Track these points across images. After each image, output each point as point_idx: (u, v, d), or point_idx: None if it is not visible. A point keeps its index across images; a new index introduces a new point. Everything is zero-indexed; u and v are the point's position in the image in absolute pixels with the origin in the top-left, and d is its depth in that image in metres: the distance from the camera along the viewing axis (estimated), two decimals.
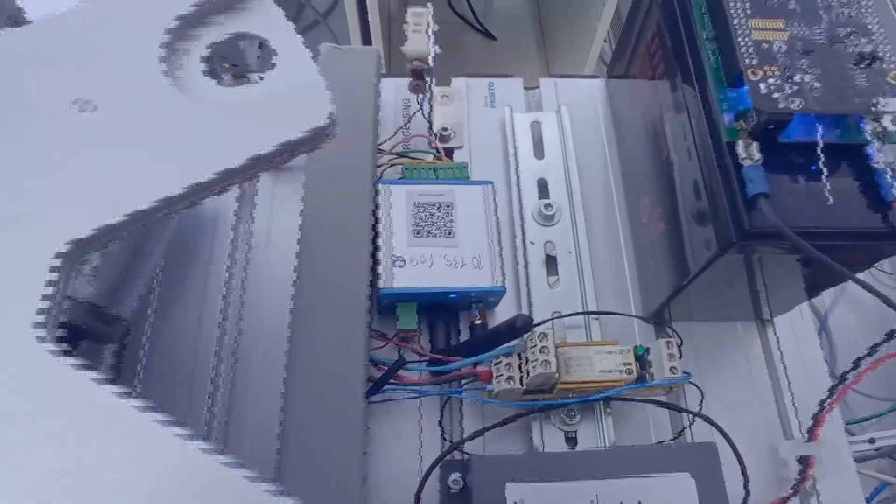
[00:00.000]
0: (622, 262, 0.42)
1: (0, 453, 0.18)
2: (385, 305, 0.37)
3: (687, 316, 0.40)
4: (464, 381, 0.35)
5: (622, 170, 0.44)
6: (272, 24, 0.28)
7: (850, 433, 0.93)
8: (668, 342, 0.33)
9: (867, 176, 0.29)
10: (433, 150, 0.42)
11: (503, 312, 0.39)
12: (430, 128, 0.43)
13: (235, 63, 0.41)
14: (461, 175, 0.40)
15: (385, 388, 0.35)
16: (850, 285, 0.29)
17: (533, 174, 0.43)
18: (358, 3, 0.86)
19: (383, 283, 0.36)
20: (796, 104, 0.28)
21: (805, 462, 0.36)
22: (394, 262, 0.36)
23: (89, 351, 0.38)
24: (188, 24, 0.27)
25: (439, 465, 0.34)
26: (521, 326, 0.31)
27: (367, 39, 0.89)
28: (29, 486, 0.17)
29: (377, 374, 0.35)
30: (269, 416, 0.36)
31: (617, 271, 0.42)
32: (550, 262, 0.41)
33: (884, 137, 0.29)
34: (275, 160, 0.26)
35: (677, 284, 0.35)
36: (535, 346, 0.31)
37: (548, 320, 0.39)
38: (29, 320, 0.19)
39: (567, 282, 0.40)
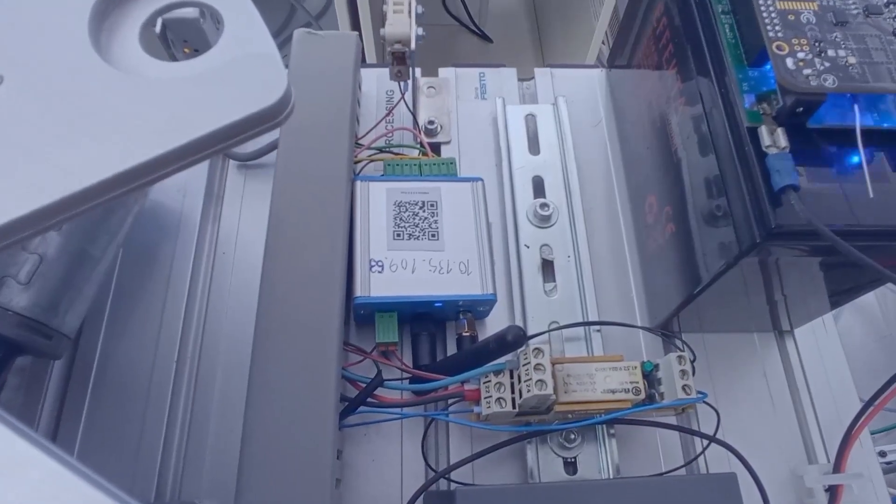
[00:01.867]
0: (626, 267, 0.38)
1: None
2: (362, 315, 0.33)
3: (698, 327, 0.36)
4: (450, 401, 0.31)
5: (625, 167, 0.41)
6: None
7: None
8: (680, 358, 0.29)
9: None
10: (417, 145, 0.39)
11: (494, 323, 0.35)
12: (415, 120, 0.39)
13: (198, 49, 0.38)
14: (448, 171, 0.37)
15: (361, 408, 0.31)
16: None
17: (528, 171, 0.39)
18: (349, 5, 0.84)
19: (360, 291, 0.32)
20: (830, 82, 0.24)
21: (834, 491, 0.32)
22: (372, 267, 0.32)
23: (33, 367, 0.34)
24: None
25: (422, 496, 0.30)
26: (512, 340, 0.27)
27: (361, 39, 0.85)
28: None
29: (353, 393, 0.31)
30: (232, 436, 0.32)
31: (620, 278, 0.38)
32: (547, 267, 0.37)
33: None
34: (223, 143, 0.22)
35: (689, 293, 0.31)
36: (528, 363, 0.27)
37: (544, 332, 0.35)
38: None
39: (565, 289, 0.36)
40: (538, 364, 0.27)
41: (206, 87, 0.22)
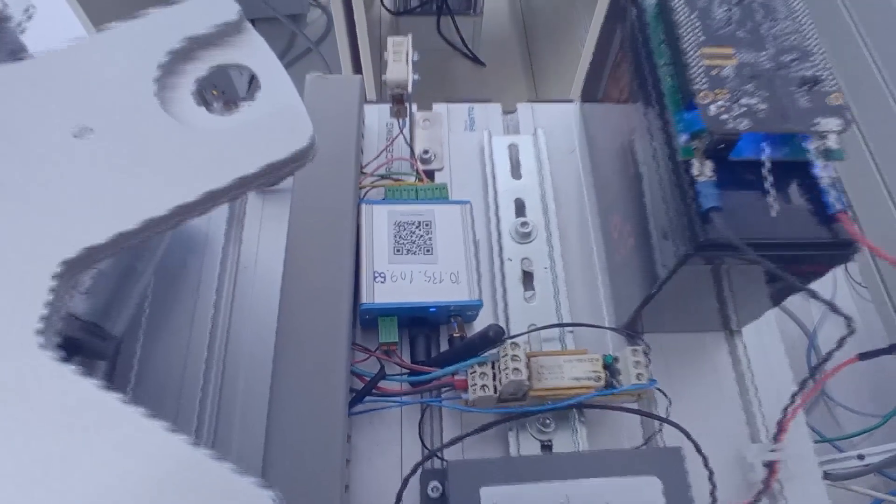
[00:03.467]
0: (595, 277, 0.44)
1: (6, 445, 0.19)
2: (367, 320, 0.39)
3: (658, 328, 0.42)
4: (443, 389, 0.37)
5: (596, 189, 0.47)
6: (257, 55, 0.30)
7: (839, 450, 0.95)
8: (634, 350, 0.34)
9: (813, 191, 0.31)
10: (414, 172, 0.44)
11: (481, 326, 0.41)
12: (412, 151, 0.45)
13: (225, 91, 0.43)
14: (440, 195, 0.42)
15: (367, 399, 0.36)
16: (836, 303, 0.31)
17: (510, 194, 0.45)
18: (349, 32, 0.89)
19: (365, 298, 0.37)
20: (743, 124, 0.30)
21: (771, 465, 0.38)
22: (375, 278, 0.38)
23: (83, 366, 0.39)
24: (180, 56, 0.29)
25: (420, 472, 0.35)
26: (493, 336, 0.33)
27: (357, 66, 0.92)
28: (34, 477, 0.19)
29: (360, 386, 0.37)
30: (254, 426, 0.37)
31: (591, 286, 0.43)
32: (527, 277, 0.43)
33: (828, 155, 0.31)
34: (260, 180, 0.28)
35: (644, 297, 0.37)
36: (507, 355, 0.33)
37: (524, 333, 0.40)
38: (31, 328, 0.21)
39: (543, 296, 0.42)
40: (514, 355, 0.32)
41: (248, 135, 0.28)
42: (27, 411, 0.20)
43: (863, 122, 0.41)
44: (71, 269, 0.24)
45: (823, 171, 0.31)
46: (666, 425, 0.37)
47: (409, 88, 0.39)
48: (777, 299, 0.39)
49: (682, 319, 0.41)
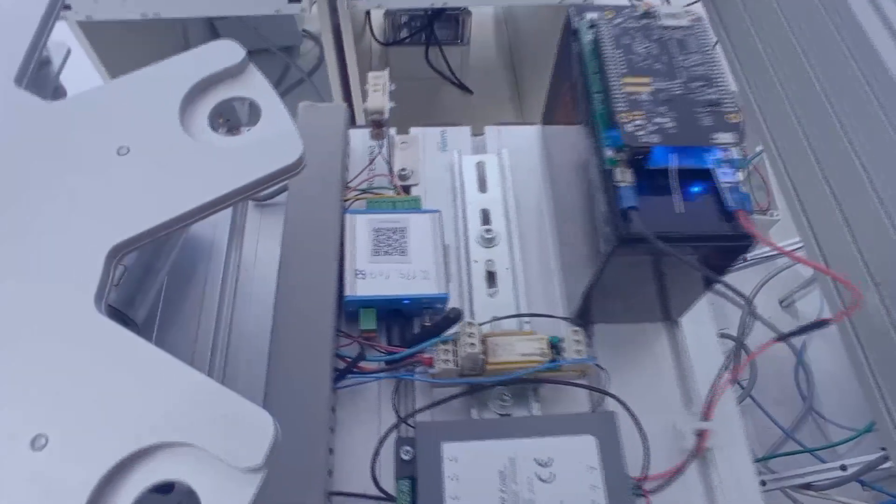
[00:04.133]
0: (551, 276, 0.50)
1: (76, 380, 0.26)
2: (350, 311, 0.45)
3: (607, 318, 0.48)
4: (416, 368, 0.43)
5: (553, 200, 0.53)
6: (259, 89, 0.37)
7: (821, 460, 0.99)
8: (574, 331, 0.41)
9: (717, 193, 0.38)
10: (392, 187, 0.51)
11: None
12: (390, 169, 0.52)
13: (229, 119, 0.50)
14: (414, 206, 0.49)
15: (349, 376, 0.42)
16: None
17: (477, 205, 0.52)
18: (339, 65, 0.97)
19: (348, 292, 0.44)
20: (655, 139, 0.37)
21: (700, 434, 0.43)
22: (357, 275, 0.44)
23: None
24: (198, 90, 0.36)
25: (395, 440, 0.41)
26: (453, 317, 0.39)
27: (346, 95, 0.99)
28: (97, 397, 0.25)
29: (344, 366, 0.43)
30: (255, 401, 0.43)
31: (547, 283, 0.50)
32: (491, 277, 0.49)
33: (731, 163, 0.38)
34: (262, 186, 0.34)
35: (587, 287, 0.43)
36: (464, 333, 0.39)
37: (487, 322, 0.47)
38: (91, 295, 0.27)
39: (504, 292, 0.48)
40: (470, 332, 0.39)
41: (252, 151, 0.34)
42: (92, 351, 0.26)
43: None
44: (116, 253, 0.30)
45: (726, 177, 0.38)
46: (610, 399, 0.43)
47: (386, 114, 0.46)
48: (698, 290, 0.45)
49: (627, 310, 0.48)
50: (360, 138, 0.56)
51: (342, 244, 0.46)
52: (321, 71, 1.23)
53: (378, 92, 0.46)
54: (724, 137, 0.37)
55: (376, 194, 0.51)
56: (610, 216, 0.38)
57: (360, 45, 1.30)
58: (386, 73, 0.48)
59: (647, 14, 0.42)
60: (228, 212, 0.52)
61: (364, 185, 0.52)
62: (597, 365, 0.42)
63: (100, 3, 0.78)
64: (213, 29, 1.35)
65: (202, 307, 0.47)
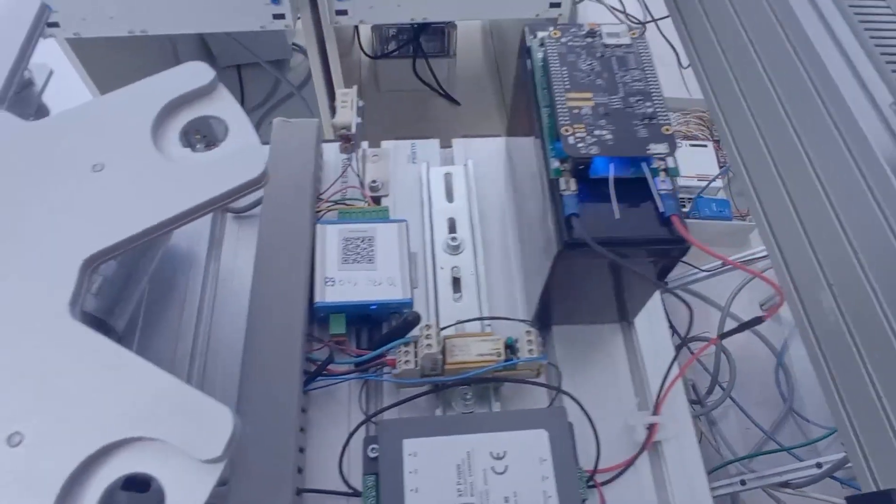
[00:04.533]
0: (513, 281, 0.53)
1: (50, 380, 0.28)
2: (322, 317, 0.48)
3: (566, 320, 0.51)
4: (384, 369, 0.46)
5: (516, 208, 0.56)
6: (227, 108, 0.39)
7: (798, 459, 1.01)
8: (528, 332, 0.43)
9: (654, 200, 0.40)
10: (363, 198, 0.54)
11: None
12: (360, 181, 0.55)
13: (206, 135, 0.53)
14: (382, 216, 0.52)
15: (319, 378, 0.45)
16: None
17: (444, 214, 0.55)
18: (325, 79, 1.00)
19: (318, 298, 0.46)
20: (594, 150, 0.40)
21: (650, 427, 0.46)
22: (326, 282, 0.47)
23: None
24: (170, 109, 0.39)
25: (364, 437, 0.43)
26: (411, 320, 0.42)
27: (333, 110, 1.02)
28: (69, 396, 0.28)
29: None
30: (230, 404, 0.46)
31: (509, 288, 0.53)
32: (456, 282, 0.52)
33: (667, 172, 0.41)
34: (229, 199, 0.37)
35: (542, 290, 0.46)
36: (422, 335, 0.42)
37: (451, 325, 0.49)
38: (65, 303, 0.30)
39: (469, 297, 0.51)
40: (427, 334, 0.41)
41: (220, 167, 0.37)
42: (65, 354, 0.29)
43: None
44: (91, 263, 0.33)
45: (662, 185, 0.40)
46: (566, 397, 0.46)
47: (353, 129, 0.49)
48: (647, 292, 0.47)
49: (583, 312, 0.50)
50: (335, 152, 0.58)
51: (313, 253, 0.48)
52: (311, 84, 1.26)
53: (346, 108, 0.49)
54: (659, 148, 0.40)
55: (348, 205, 0.53)
56: (556, 223, 0.40)
57: (348, 58, 1.34)
58: (354, 90, 0.50)
59: (591, 33, 0.45)
60: (208, 223, 0.54)
61: (337, 197, 0.54)
62: (550, 363, 0.45)
63: (87, 21, 0.80)
64: (203, 44, 1.39)
65: (182, 315, 0.50)
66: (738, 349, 1.04)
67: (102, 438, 0.28)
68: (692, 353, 0.46)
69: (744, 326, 0.44)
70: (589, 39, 0.45)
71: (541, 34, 0.47)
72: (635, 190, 0.41)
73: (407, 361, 0.42)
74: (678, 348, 0.45)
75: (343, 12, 0.86)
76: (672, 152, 0.40)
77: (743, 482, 0.97)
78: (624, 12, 1.57)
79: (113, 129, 0.38)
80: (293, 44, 1.41)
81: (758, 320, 0.43)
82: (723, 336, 0.46)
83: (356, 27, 1.31)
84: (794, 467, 0.96)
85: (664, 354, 0.50)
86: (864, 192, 0.41)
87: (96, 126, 0.38)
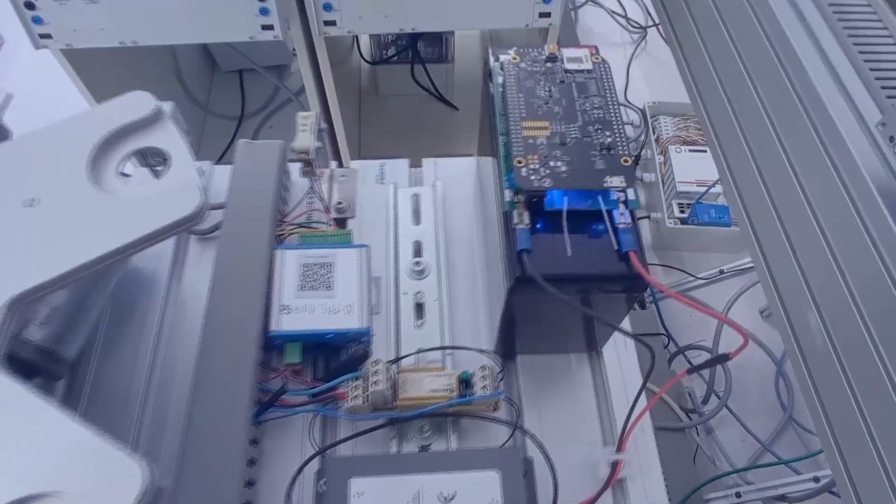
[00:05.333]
0: (478, 307, 0.51)
1: None
2: (278, 344, 0.47)
3: (529, 350, 0.49)
4: (336, 402, 0.45)
5: (484, 230, 0.55)
6: (168, 139, 0.39)
7: (796, 472, 0.99)
8: (482, 367, 0.42)
9: (614, 234, 0.39)
10: (326, 222, 0.53)
11: (377, 351, 0.49)
12: (324, 204, 0.53)
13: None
14: (345, 240, 0.51)
15: (272, 409, 0.44)
16: None
17: (410, 237, 0.54)
18: (317, 88, 0.99)
19: (273, 327, 0.45)
20: (547, 183, 0.38)
21: (614, 464, 0.44)
22: (282, 310, 0.46)
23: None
24: (110, 142, 0.38)
25: (315, 472, 0.42)
26: (359, 356, 0.41)
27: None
28: None
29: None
30: (178, 430, 0.45)
31: (474, 315, 0.51)
32: (419, 308, 0.51)
33: (627, 204, 0.39)
34: (163, 235, 0.36)
35: (500, 322, 0.44)
36: (370, 371, 0.40)
37: (412, 354, 0.48)
38: None
39: (431, 324, 0.50)
40: (375, 370, 0.40)
41: (155, 203, 0.36)
42: None
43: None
44: (17, 303, 0.32)
45: (621, 218, 0.39)
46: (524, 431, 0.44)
47: (312, 154, 0.48)
48: (615, 321, 0.46)
49: (546, 342, 0.49)
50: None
51: (271, 278, 0.47)
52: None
53: (306, 132, 0.48)
54: (615, 181, 0.38)
55: (311, 228, 0.52)
56: (508, 257, 0.39)
57: (348, 64, 1.33)
58: (314, 113, 0.49)
59: (552, 58, 0.43)
60: (171, 244, 0.54)
61: (301, 219, 0.53)
62: (507, 399, 0.44)
63: (79, 32, 0.80)
64: (205, 50, 1.39)
65: (140, 340, 0.49)
66: (736, 357, 1.02)
67: (9, 493, 0.27)
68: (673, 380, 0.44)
69: (711, 363, 0.43)
70: (549, 64, 0.43)
71: (503, 57, 0.45)
72: (594, 222, 0.39)
73: (356, 397, 0.41)
74: (669, 361, 0.43)
75: (331, 23, 0.85)
76: (631, 184, 0.38)
77: (738, 494, 0.95)
78: (625, 17, 1.54)
79: (50, 162, 0.37)
80: (293, 49, 1.41)
81: (724, 357, 0.41)
82: (691, 370, 0.44)
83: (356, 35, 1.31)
84: (791, 480, 0.94)
85: (632, 384, 0.49)
86: (851, 214, 0.39)
87: (34, 159, 0.37)
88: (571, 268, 0.38)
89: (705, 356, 1.10)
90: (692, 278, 1.15)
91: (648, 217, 1.28)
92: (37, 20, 0.78)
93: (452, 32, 1.26)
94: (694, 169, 1.24)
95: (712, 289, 1.17)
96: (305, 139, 0.48)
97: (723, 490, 0.96)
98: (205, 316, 0.45)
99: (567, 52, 0.43)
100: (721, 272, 1.13)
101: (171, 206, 0.36)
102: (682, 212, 1.21)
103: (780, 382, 1.16)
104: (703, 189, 1.20)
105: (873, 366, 0.36)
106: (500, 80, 0.44)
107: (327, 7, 0.83)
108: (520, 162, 0.39)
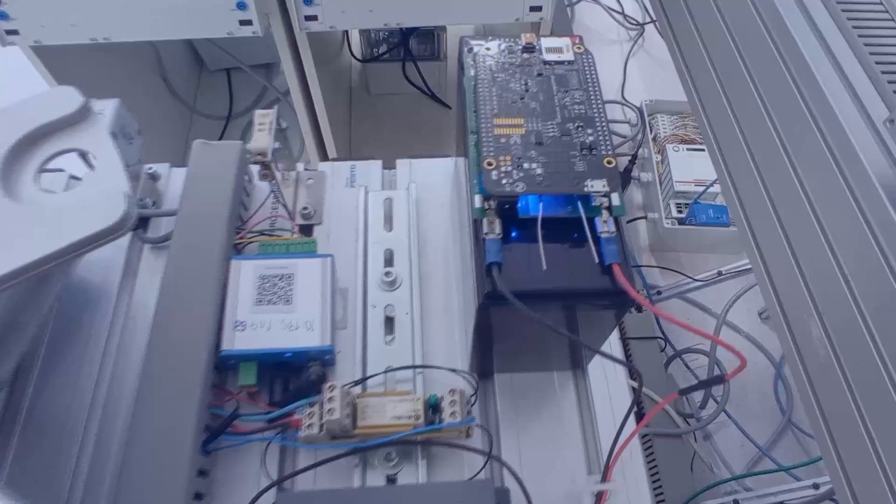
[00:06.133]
0: (453, 321, 0.47)
1: None
2: (232, 364, 0.43)
3: (508, 368, 0.45)
4: (290, 429, 0.40)
5: (461, 240, 0.50)
6: (95, 141, 0.35)
7: (796, 479, 0.96)
8: (451, 391, 0.38)
9: (593, 244, 0.35)
10: (290, 229, 0.49)
11: (343, 369, 0.45)
12: (286, 209, 0.49)
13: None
14: (308, 249, 0.47)
15: (223, 437, 0.40)
16: None
17: (381, 245, 0.49)
18: (301, 87, 0.95)
19: (225, 346, 0.41)
20: (520, 188, 0.34)
21: (599, 495, 0.40)
22: (236, 326, 0.42)
23: None
24: (26, 144, 0.34)
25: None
26: (315, 379, 0.36)
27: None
28: None
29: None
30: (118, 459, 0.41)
31: (448, 330, 0.47)
32: (389, 322, 0.46)
33: (611, 210, 0.35)
34: (84, 248, 0.32)
35: (472, 339, 0.40)
36: (325, 398, 0.36)
37: (379, 373, 0.44)
38: None
39: (402, 340, 0.46)
40: (331, 396, 0.36)
41: (76, 212, 0.32)
42: None
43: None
44: None
45: (604, 226, 0.35)
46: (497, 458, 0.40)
47: (270, 156, 0.44)
48: (598, 338, 0.42)
49: (524, 361, 0.45)
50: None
51: (225, 292, 0.43)
52: None
53: (263, 132, 0.44)
54: (597, 185, 0.34)
55: (273, 236, 0.48)
56: (479, 270, 0.35)
57: (337, 62, 1.29)
58: (273, 111, 0.45)
59: (529, 48, 0.39)
60: (123, 253, 0.49)
61: (263, 226, 0.49)
62: (481, 426, 0.39)
63: (47, 28, 0.76)
64: (192, 49, 1.35)
65: (83, 359, 0.45)
66: (735, 359, 0.98)
67: None
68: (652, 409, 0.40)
69: (704, 384, 0.39)
70: (526, 55, 0.39)
71: (477, 48, 0.41)
72: (574, 231, 0.35)
73: (310, 425, 0.37)
74: (666, 365, 0.39)
75: (313, 17, 0.81)
76: (615, 188, 0.34)
77: (736, 502, 0.91)
78: (622, 13, 1.50)
79: None
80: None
81: (719, 379, 0.37)
82: (683, 392, 0.40)
83: (345, 31, 1.27)
84: (790, 487, 0.91)
85: (620, 404, 0.45)
86: (856, 217, 0.36)
87: None
88: (547, 283, 0.34)
89: (702, 360, 1.06)
90: (690, 280, 1.11)
91: (645, 217, 1.24)
92: (3, 16, 0.74)
93: (445, 29, 1.22)
94: (692, 168, 1.20)
95: (710, 290, 1.13)
96: (262, 139, 0.44)
97: (721, 497, 0.93)
98: (151, 332, 0.41)
99: (546, 42, 0.39)
100: (719, 273, 1.09)
101: (92, 215, 0.31)
102: (680, 212, 1.17)
103: (780, 385, 1.13)
104: (701, 189, 1.16)
105: (877, 374, 0.33)
106: (471, 72, 0.40)
107: (308, 1, 0.79)
108: (490, 164, 0.35)
